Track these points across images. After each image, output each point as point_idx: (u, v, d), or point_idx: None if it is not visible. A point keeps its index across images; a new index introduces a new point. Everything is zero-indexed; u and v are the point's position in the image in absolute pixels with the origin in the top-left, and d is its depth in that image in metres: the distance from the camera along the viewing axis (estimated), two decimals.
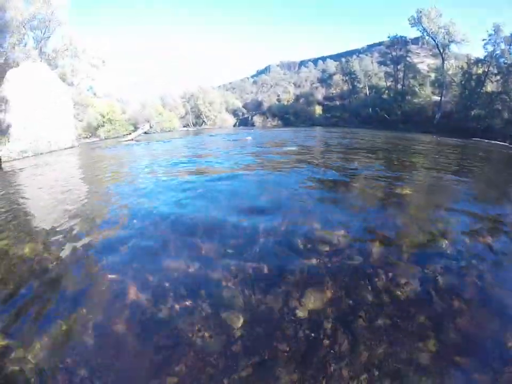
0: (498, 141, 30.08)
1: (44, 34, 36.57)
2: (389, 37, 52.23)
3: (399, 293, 3.47)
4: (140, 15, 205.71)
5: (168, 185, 7.56)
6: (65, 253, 4.34)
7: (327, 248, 4.26)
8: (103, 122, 45.32)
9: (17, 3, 31.82)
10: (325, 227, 4.97)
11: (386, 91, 55.23)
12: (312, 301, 3.29)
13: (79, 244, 4.55)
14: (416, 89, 50.26)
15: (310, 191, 7.04)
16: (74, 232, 5.00)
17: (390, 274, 3.72)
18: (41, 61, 35.32)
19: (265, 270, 3.79)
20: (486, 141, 30.30)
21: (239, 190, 7.07)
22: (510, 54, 36.61)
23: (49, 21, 35.38)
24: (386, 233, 4.81)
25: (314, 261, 3.97)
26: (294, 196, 6.60)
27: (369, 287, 3.50)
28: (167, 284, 3.60)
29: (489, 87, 39.63)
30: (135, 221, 5.32)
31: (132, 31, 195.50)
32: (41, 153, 20.20)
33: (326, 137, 23.24)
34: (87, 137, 40.07)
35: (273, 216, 5.25)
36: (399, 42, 51.04)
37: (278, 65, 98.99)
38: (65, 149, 22.67)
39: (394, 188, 7.34)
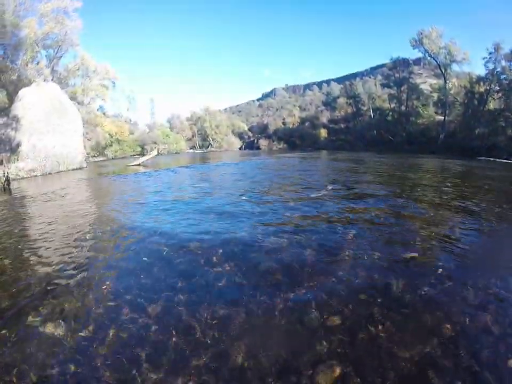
0: (503, 159, 29.55)
1: (56, 53, 37.64)
2: (391, 59, 52.67)
3: None
4: (150, 37, 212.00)
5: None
6: None
7: None
8: (111, 142, 46.10)
9: (31, 22, 32.98)
10: None
11: (390, 113, 55.12)
12: None
13: None
14: (420, 110, 50.08)
15: None
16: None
17: None
18: (53, 79, 36.29)
19: None
20: (492, 159, 29.76)
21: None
22: (510, 70, 36.42)
23: (62, 41, 36.36)
24: None
25: None
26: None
27: None
28: None
29: (492, 104, 39.09)
30: None
31: (141, 53, 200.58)
32: (49, 173, 20.01)
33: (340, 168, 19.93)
34: (95, 156, 40.59)
35: None
36: (401, 64, 51.40)
37: (283, 89, 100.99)
38: (73, 169, 22.64)
39: None
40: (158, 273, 4.31)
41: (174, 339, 3.08)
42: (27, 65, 33.70)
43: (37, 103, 21.14)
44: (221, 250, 4.98)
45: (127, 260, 4.77)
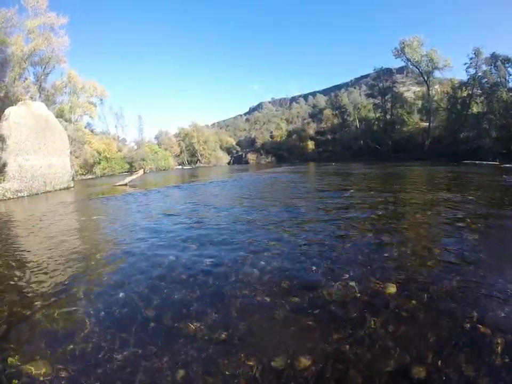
0: (489, 161, 29.65)
1: (43, 70, 37.09)
2: (374, 69, 53.46)
3: None
4: (138, 53, 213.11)
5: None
6: None
7: None
8: (99, 159, 45.34)
9: (18, 38, 32.68)
10: None
11: (376, 122, 55.47)
12: None
13: None
14: (405, 117, 50.43)
15: None
16: None
17: None
18: (40, 97, 35.86)
19: None
20: (477, 162, 29.82)
21: None
22: (491, 74, 37.00)
23: (50, 58, 35.84)
24: None
25: None
26: None
27: None
28: None
29: (475, 108, 39.41)
30: None
31: (128, 68, 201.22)
32: (36, 193, 19.33)
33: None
34: (83, 174, 39.87)
35: None
36: (384, 73, 52.09)
37: (270, 102, 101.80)
38: (60, 189, 22.07)
39: None
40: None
41: None
42: (14, 82, 33.16)
43: (23, 123, 20.56)
44: None
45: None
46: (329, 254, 4.86)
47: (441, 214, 7.45)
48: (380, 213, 7.87)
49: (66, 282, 4.28)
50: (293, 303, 3.39)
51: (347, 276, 3.97)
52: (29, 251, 6.31)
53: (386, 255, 4.74)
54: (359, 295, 3.49)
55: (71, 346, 2.84)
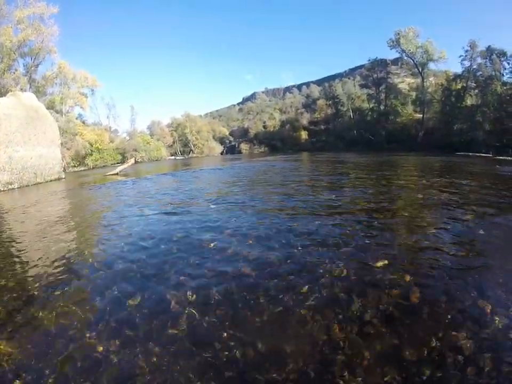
0: (482, 153, 29.88)
1: (33, 61, 36.48)
2: (369, 60, 53.29)
3: None
4: (127, 44, 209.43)
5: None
6: None
7: None
8: (91, 151, 44.70)
9: (7, 29, 31.91)
10: None
11: (370, 113, 55.47)
12: None
13: None
14: (399, 109, 50.58)
15: None
16: None
17: None
18: (30, 88, 35.20)
19: None
20: (471, 154, 30.06)
21: None
22: (486, 67, 37.23)
23: (40, 48, 35.28)
24: None
25: None
26: None
27: None
28: None
29: (469, 100, 39.75)
30: None
31: (118, 59, 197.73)
32: (27, 185, 19.22)
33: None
34: (75, 166, 39.34)
35: None
36: (379, 64, 51.92)
37: (263, 92, 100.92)
38: (51, 180, 21.76)
39: None
40: None
41: None
42: (4, 74, 32.79)
43: (13, 114, 20.18)
44: None
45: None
46: None
47: (434, 197, 7.66)
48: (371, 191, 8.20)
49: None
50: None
51: None
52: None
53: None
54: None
55: None
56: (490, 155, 28.60)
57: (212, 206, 7.65)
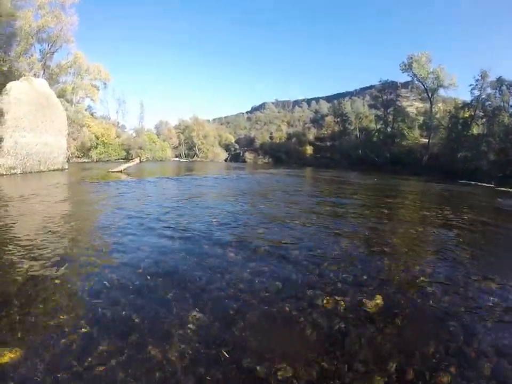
0: (484, 183, 29.92)
1: (50, 48, 36.79)
2: (380, 81, 53.76)
3: None
4: (145, 41, 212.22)
5: None
6: None
7: None
8: (97, 144, 44.87)
9: (27, 13, 32.19)
10: None
11: (376, 133, 55.66)
12: None
13: None
14: (405, 132, 50.75)
15: None
16: None
17: None
18: (44, 74, 35.47)
19: None
20: (473, 183, 30.12)
21: None
22: (495, 97, 37.50)
23: (57, 36, 35.60)
24: None
25: None
26: None
27: None
28: None
29: (475, 129, 39.93)
30: None
31: (133, 55, 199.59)
32: (30, 172, 19.20)
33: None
34: (79, 156, 39.46)
35: None
36: (389, 86, 52.28)
37: (273, 103, 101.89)
38: (54, 170, 21.56)
39: None
40: None
41: None
42: (19, 57, 33.06)
43: (23, 99, 20.23)
44: None
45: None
46: None
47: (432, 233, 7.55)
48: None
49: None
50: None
51: None
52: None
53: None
54: None
55: None
56: (492, 185, 28.58)
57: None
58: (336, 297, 3.63)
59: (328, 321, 3.20)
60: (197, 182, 18.06)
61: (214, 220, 7.42)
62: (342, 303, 3.54)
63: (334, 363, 2.62)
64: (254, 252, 5.17)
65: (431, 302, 3.77)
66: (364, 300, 3.61)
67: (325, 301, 3.57)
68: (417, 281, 4.36)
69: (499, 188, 26.18)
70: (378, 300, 3.64)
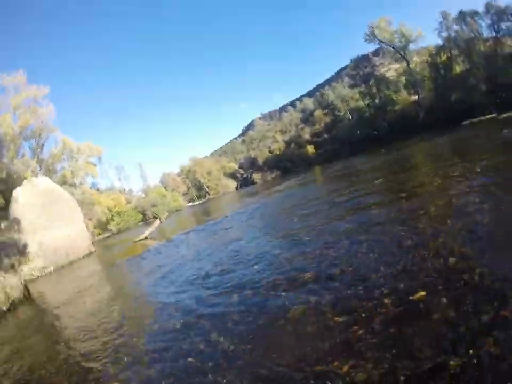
0: (486, 115, 29.28)
1: (38, 143, 38.56)
2: (351, 59, 53.56)
3: None
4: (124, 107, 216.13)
5: None
6: None
7: None
8: (112, 216, 46.05)
9: (6, 118, 34.19)
10: None
11: (367, 109, 55.42)
12: None
13: None
14: (393, 97, 50.19)
15: None
16: None
17: None
18: (40, 169, 37.13)
19: None
20: (475, 119, 29.42)
21: None
22: (463, 31, 37.27)
23: (41, 129, 37.41)
24: None
25: None
26: None
27: None
28: None
29: (458, 68, 39.20)
30: None
31: (119, 122, 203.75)
32: (61, 266, 19.81)
33: None
34: (99, 233, 40.39)
35: None
36: (362, 60, 52.08)
37: (260, 118, 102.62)
38: (83, 257, 22.14)
39: None
40: None
41: None
42: (13, 160, 34.39)
43: (33, 202, 21.20)
44: None
45: None
46: None
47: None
48: None
49: None
50: None
51: None
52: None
53: None
54: None
55: None
56: (494, 115, 27.93)
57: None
58: None
59: None
60: (218, 226, 16.39)
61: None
62: None
63: None
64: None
65: None
66: None
67: None
68: None
69: (502, 115, 25.52)
70: None
